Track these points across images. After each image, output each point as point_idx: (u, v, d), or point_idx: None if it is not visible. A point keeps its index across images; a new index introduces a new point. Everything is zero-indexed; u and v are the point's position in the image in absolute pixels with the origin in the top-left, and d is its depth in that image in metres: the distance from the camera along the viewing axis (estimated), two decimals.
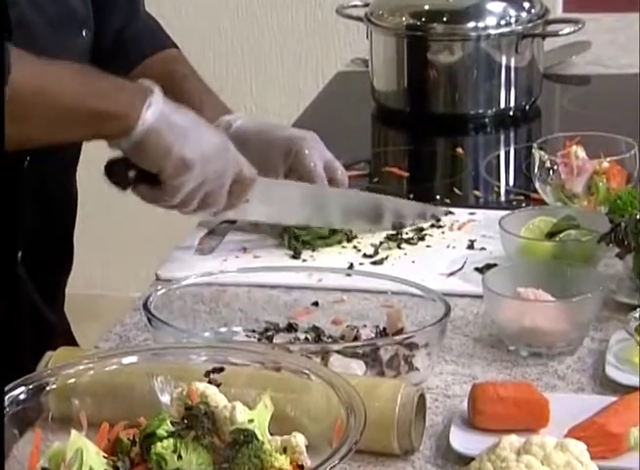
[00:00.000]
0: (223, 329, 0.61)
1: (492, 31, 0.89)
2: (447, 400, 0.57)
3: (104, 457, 0.46)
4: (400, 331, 0.59)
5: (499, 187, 0.82)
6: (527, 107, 0.92)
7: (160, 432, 0.46)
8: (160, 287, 0.61)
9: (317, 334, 0.60)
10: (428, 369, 0.58)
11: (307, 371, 0.50)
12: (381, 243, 0.73)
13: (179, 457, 0.45)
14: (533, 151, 0.76)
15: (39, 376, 0.50)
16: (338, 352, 0.55)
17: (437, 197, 0.78)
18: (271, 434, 0.47)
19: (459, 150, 0.87)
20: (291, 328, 0.60)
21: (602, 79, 0.99)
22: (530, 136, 0.90)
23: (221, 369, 0.50)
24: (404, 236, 0.73)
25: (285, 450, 0.47)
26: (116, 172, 0.65)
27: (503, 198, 0.80)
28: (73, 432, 0.46)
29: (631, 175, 0.74)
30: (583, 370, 0.59)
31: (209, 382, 0.49)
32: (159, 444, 0.46)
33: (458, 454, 0.52)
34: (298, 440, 0.47)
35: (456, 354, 0.61)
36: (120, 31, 0.74)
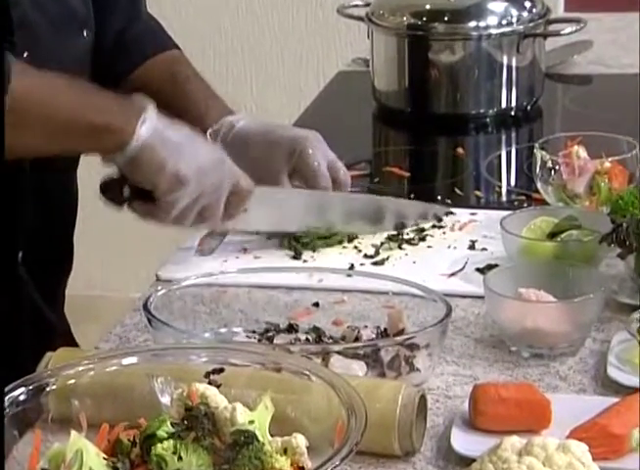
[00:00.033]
0: (223, 330, 0.61)
1: (494, 31, 0.88)
2: (448, 401, 0.56)
3: (104, 458, 0.46)
4: (401, 332, 0.58)
5: (500, 187, 0.82)
6: (529, 107, 0.92)
7: (161, 433, 0.46)
8: (160, 288, 0.61)
9: (318, 335, 0.59)
10: (429, 370, 0.57)
11: (308, 372, 0.50)
12: (382, 243, 0.72)
13: (179, 458, 0.45)
14: (535, 151, 0.76)
15: (39, 377, 0.50)
16: (338, 352, 0.55)
17: (438, 197, 0.78)
18: (272, 435, 0.47)
19: (460, 150, 0.87)
20: (291, 329, 0.60)
21: (604, 79, 0.99)
22: (532, 136, 0.90)
23: (221, 370, 0.50)
24: (405, 236, 0.73)
25: (285, 452, 0.47)
26: (111, 190, 0.65)
27: (504, 198, 0.80)
28: (73, 433, 0.46)
29: (633, 175, 0.74)
30: (585, 371, 0.59)
31: (210, 383, 0.49)
32: (159, 445, 0.46)
33: (459, 456, 0.52)
34: (299, 441, 0.47)
35: (457, 355, 0.60)
36: (122, 32, 0.74)
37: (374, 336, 0.58)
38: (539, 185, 0.76)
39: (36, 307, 0.70)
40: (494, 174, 0.84)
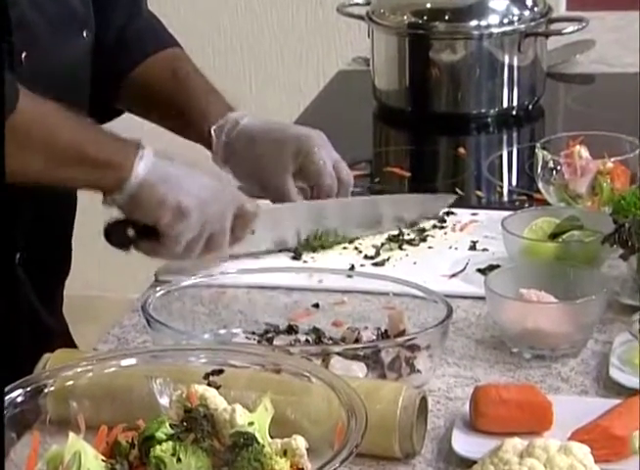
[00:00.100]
0: (223, 331, 0.60)
1: (495, 30, 0.88)
2: (449, 403, 0.56)
3: (102, 460, 0.46)
4: (402, 333, 0.58)
5: (502, 187, 0.81)
6: (531, 106, 0.92)
7: (159, 435, 0.46)
8: (158, 288, 0.61)
9: (318, 336, 0.59)
10: (429, 371, 0.57)
11: (308, 373, 0.49)
12: (382, 244, 0.72)
13: (178, 460, 0.45)
14: (536, 151, 0.75)
15: (37, 378, 0.50)
16: (338, 354, 0.55)
17: (421, 195, 0.78)
18: (271, 437, 0.47)
19: (461, 150, 0.86)
20: (291, 330, 0.60)
21: (606, 78, 0.99)
22: (533, 136, 0.89)
23: (221, 371, 0.49)
24: (406, 237, 0.73)
25: (285, 453, 0.46)
26: (116, 234, 0.65)
27: (506, 198, 0.80)
28: (71, 435, 0.46)
29: (635, 175, 0.73)
30: (587, 372, 0.59)
31: (209, 384, 0.49)
32: (157, 447, 0.46)
33: (460, 458, 0.52)
34: (299, 443, 0.47)
35: (458, 357, 0.60)
36: (123, 30, 0.73)
37: (374, 337, 0.58)
38: (541, 185, 0.75)
39: (34, 309, 0.70)
40: (495, 174, 0.83)
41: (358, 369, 0.55)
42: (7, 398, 0.48)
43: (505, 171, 0.87)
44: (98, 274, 1.47)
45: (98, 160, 0.62)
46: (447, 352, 0.60)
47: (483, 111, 0.90)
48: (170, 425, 0.46)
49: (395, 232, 0.73)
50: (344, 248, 0.72)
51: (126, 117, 0.78)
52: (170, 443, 0.46)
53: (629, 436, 0.51)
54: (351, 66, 1.04)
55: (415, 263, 0.70)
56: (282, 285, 0.65)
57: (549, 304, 0.60)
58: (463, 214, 0.76)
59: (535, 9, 0.90)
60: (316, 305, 0.62)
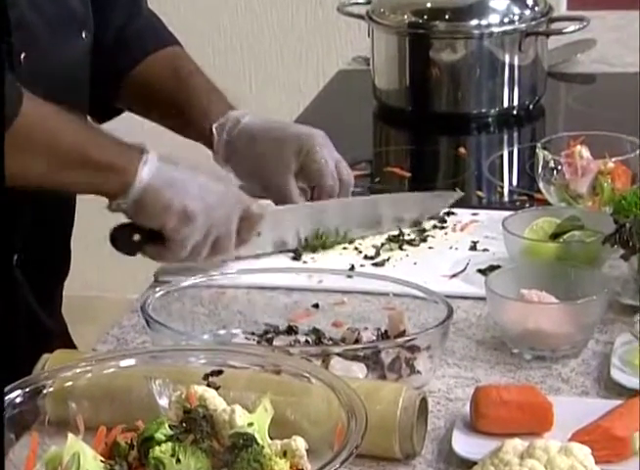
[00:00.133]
0: (222, 331, 0.60)
1: (495, 29, 0.88)
2: (449, 404, 0.56)
3: (101, 461, 0.46)
4: (402, 333, 0.58)
5: (502, 187, 0.81)
6: (531, 106, 0.91)
7: (159, 436, 0.46)
8: (158, 288, 0.61)
9: (317, 336, 0.59)
10: (430, 372, 0.57)
11: (308, 374, 0.49)
12: (382, 244, 0.72)
13: (177, 461, 0.45)
14: (537, 151, 0.75)
15: (36, 379, 0.49)
16: (338, 354, 0.55)
17: (427, 193, 0.77)
18: (271, 438, 0.47)
19: (462, 150, 0.86)
20: (291, 330, 0.60)
21: (607, 78, 0.99)
22: (534, 136, 0.89)
23: (220, 372, 0.49)
24: (406, 237, 0.73)
25: (285, 454, 0.46)
26: (121, 239, 0.65)
27: (506, 198, 0.80)
28: (70, 436, 0.46)
29: (636, 176, 0.73)
30: (588, 373, 0.58)
31: (208, 385, 0.49)
32: (157, 447, 0.45)
33: (460, 458, 0.52)
34: (299, 443, 0.46)
35: (458, 357, 0.60)
36: (123, 28, 0.73)
37: (374, 338, 0.58)
38: (541, 185, 0.75)
39: (32, 310, 0.69)
40: (496, 174, 0.83)
41: (358, 370, 0.55)
42: (6, 398, 0.47)
43: (506, 171, 0.86)
44: (97, 275, 1.47)
45: (101, 163, 0.61)
46: (448, 352, 0.60)
47: (484, 110, 0.90)
48: (170, 426, 0.46)
49: (396, 232, 0.73)
50: (344, 248, 0.72)
51: (126, 116, 0.77)
52: (170, 443, 0.45)
53: (630, 437, 0.51)
54: (351, 65, 1.04)
55: (415, 264, 0.70)
56: (282, 285, 0.64)
57: (550, 304, 0.60)
58: (463, 214, 0.76)
59: (536, 8, 0.90)
60: (316, 306, 0.62)
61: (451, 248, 0.72)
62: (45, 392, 0.49)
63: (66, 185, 0.64)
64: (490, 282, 0.61)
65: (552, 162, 0.74)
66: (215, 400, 0.47)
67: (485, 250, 0.71)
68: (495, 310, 0.61)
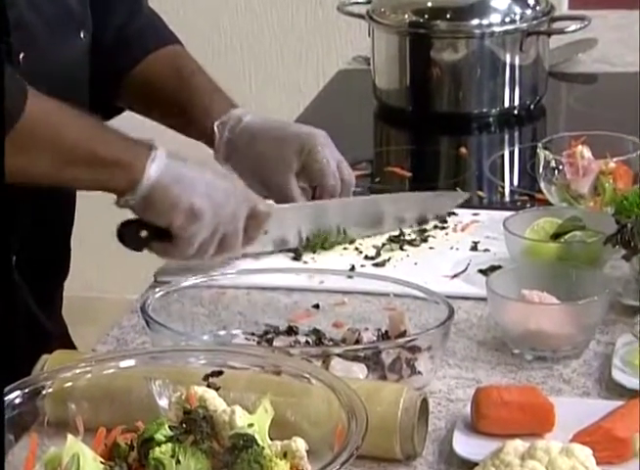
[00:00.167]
0: (222, 332, 0.60)
1: (497, 29, 0.88)
2: (450, 405, 0.56)
3: (101, 463, 0.46)
4: (403, 334, 0.58)
5: (503, 187, 0.81)
6: (532, 106, 0.91)
7: (159, 436, 0.46)
8: (157, 289, 0.60)
9: (318, 337, 0.59)
10: (430, 373, 0.57)
11: (308, 375, 0.49)
12: (383, 244, 0.72)
13: (177, 462, 0.45)
14: (538, 150, 0.75)
15: (35, 380, 0.49)
16: (339, 355, 0.55)
17: (436, 193, 0.77)
18: (271, 439, 0.47)
19: (463, 149, 0.86)
20: (291, 331, 0.60)
21: (608, 77, 0.98)
22: (535, 135, 0.89)
23: (220, 373, 0.49)
24: (407, 237, 0.73)
25: (285, 455, 0.46)
26: (128, 235, 0.65)
27: (507, 198, 0.79)
28: (70, 437, 0.45)
29: (638, 176, 0.73)
30: (589, 374, 0.58)
31: (208, 386, 0.48)
32: (157, 448, 0.45)
33: (461, 459, 0.52)
34: (299, 444, 0.46)
35: (459, 358, 0.60)
36: (123, 27, 0.73)
37: (375, 338, 0.58)
38: (543, 185, 0.75)
39: (31, 311, 0.69)
40: (497, 174, 0.83)
41: (359, 370, 0.55)
42: (5, 399, 0.47)
43: (507, 171, 0.86)
44: (97, 275, 1.47)
45: (108, 160, 0.61)
46: (448, 353, 0.60)
47: (485, 110, 0.89)
48: (169, 427, 0.46)
49: (396, 232, 0.73)
50: (345, 248, 0.71)
51: (127, 115, 0.77)
52: (170, 444, 0.45)
53: (631, 438, 0.51)
54: (352, 65, 1.03)
55: (416, 264, 0.70)
56: (282, 286, 0.64)
57: (551, 305, 0.60)
58: (464, 215, 0.75)
59: (537, 7, 0.90)
60: (316, 306, 0.62)
61: (452, 248, 0.72)
62: (44, 393, 0.49)
63: (72, 182, 0.63)
64: (491, 282, 0.61)
65: (553, 162, 0.74)
66: (215, 401, 0.47)
67: (486, 250, 0.71)
68: (496, 311, 0.61)
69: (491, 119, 0.90)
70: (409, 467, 0.52)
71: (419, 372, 0.56)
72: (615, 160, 0.73)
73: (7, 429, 0.47)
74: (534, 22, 0.89)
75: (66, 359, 0.54)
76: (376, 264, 0.70)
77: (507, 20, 0.88)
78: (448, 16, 0.88)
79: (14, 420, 0.47)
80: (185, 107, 0.71)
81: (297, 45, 1.44)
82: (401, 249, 0.72)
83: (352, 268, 0.69)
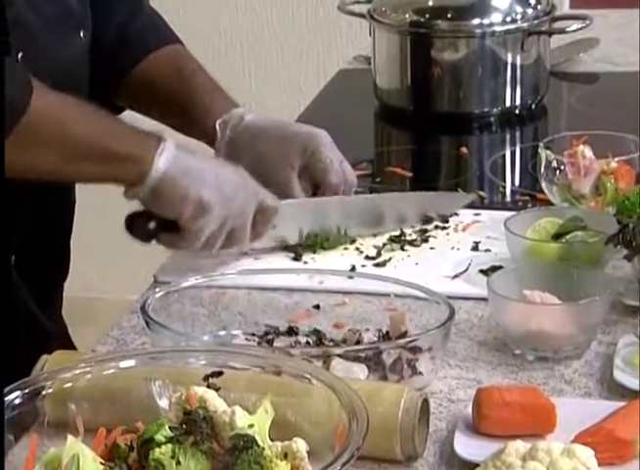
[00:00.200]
0: (222, 332, 0.60)
1: (498, 28, 0.87)
2: (451, 405, 0.56)
3: (101, 463, 0.45)
4: (403, 334, 0.58)
5: (504, 187, 0.81)
6: (534, 105, 0.91)
7: (159, 437, 0.45)
8: (157, 289, 0.60)
9: (318, 337, 0.59)
10: (431, 373, 0.57)
11: (308, 375, 0.49)
12: (384, 245, 0.72)
13: (178, 463, 0.45)
14: (540, 150, 0.75)
15: (35, 380, 0.49)
16: (339, 355, 0.55)
17: (441, 193, 0.78)
18: (271, 439, 0.47)
19: (464, 149, 0.86)
20: (291, 331, 0.60)
21: (610, 77, 0.98)
22: (537, 135, 0.89)
23: (220, 373, 0.49)
24: (407, 238, 0.72)
25: (285, 456, 0.46)
26: (137, 226, 0.65)
27: (508, 198, 0.79)
28: (70, 437, 0.45)
29: (639, 175, 0.73)
30: (591, 374, 0.58)
31: (208, 386, 0.48)
32: (157, 449, 0.45)
33: (462, 460, 0.51)
34: (299, 445, 0.46)
35: (460, 358, 0.60)
36: (124, 26, 0.73)
37: (375, 339, 0.58)
38: (544, 185, 0.75)
39: (31, 312, 0.69)
40: (498, 174, 0.83)
41: (359, 371, 0.55)
42: (5, 400, 0.47)
43: (508, 171, 0.86)
44: (97, 276, 1.47)
45: (116, 152, 0.60)
46: (449, 353, 0.59)
47: (486, 110, 0.89)
48: (170, 427, 0.46)
49: (397, 232, 0.72)
50: (345, 248, 0.71)
51: (128, 114, 0.77)
52: (170, 445, 0.45)
53: (633, 439, 0.51)
54: (352, 64, 1.03)
55: (417, 264, 0.70)
56: (282, 286, 0.64)
57: (552, 305, 0.60)
58: (465, 215, 0.75)
59: (539, 7, 0.90)
60: (317, 307, 0.62)
61: (453, 248, 0.72)
62: (44, 393, 0.48)
63: (80, 176, 0.62)
64: (492, 283, 0.61)
65: (554, 161, 0.74)
66: (215, 402, 0.47)
67: (487, 250, 0.71)
68: (497, 311, 0.61)
69: (492, 119, 0.90)
70: (410, 468, 0.52)
71: (420, 373, 0.56)
72: (616, 159, 0.72)
73: (7, 429, 0.47)
74: (536, 21, 0.89)
75: (65, 360, 0.54)
76: (376, 265, 0.69)
77: (508, 19, 0.88)
78: (449, 15, 0.88)
79: (14, 420, 0.47)
80: (186, 106, 0.71)
81: (298, 44, 1.44)
82: (402, 249, 0.71)
83: (353, 269, 0.69)
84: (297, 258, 0.70)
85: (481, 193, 0.79)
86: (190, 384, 0.48)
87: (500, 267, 0.67)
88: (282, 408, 0.48)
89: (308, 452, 0.46)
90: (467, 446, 0.52)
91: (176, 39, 0.76)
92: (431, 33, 0.88)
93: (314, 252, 0.71)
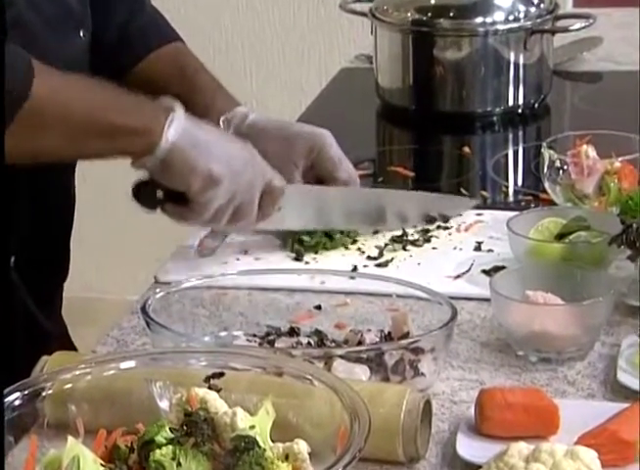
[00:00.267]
0: (223, 333, 0.60)
1: (500, 27, 0.87)
2: (454, 407, 0.56)
3: (101, 465, 0.45)
4: (406, 335, 0.57)
5: (507, 187, 0.80)
6: (537, 105, 0.91)
7: (159, 439, 0.45)
8: (158, 290, 0.60)
9: (320, 338, 0.59)
10: (434, 374, 0.57)
11: (310, 376, 0.49)
12: (385, 245, 0.71)
13: (178, 465, 0.45)
14: (543, 150, 0.75)
15: (35, 381, 0.49)
16: (341, 356, 0.54)
17: (446, 195, 0.77)
18: (273, 441, 0.46)
19: (466, 149, 0.85)
20: (293, 332, 0.59)
21: (613, 76, 0.98)
22: (540, 135, 0.88)
23: (221, 374, 0.49)
24: (409, 238, 0.72)
25: (287, 458, 0.46)
26: (144, 193, 0.64)
27: (511, 198, 0.79)
28: (70, 439, 0.45)
29: None
30: (594, 376, 0.58)
31: (209, 387, 0.48)
32: (157, 451, 0.45)
33: (465, 462, 0.51)
34: (301, 447, 0.46)
35: (463, 359, 0.60)
36: (125, 25, 0.73)
37: (377, 339, 0.57)
38: (547, 185, 0.74)
39: (30, 312, 0.69)
40: (501, 174, 0.82)
41: (361, 372, 0.54)
42: (5, 401, 0.47)
43: (511, 171, 0.86)
44: (97, 276, 1.47)
45: (126, 127, 0.59)
46: (452, 354, 0.59)
47: (489, 109, 0.89)
48: (170, 429, 0.46)
49: (399, 232, 0.72)
50: (347, 249, 0.71)
51: None
52: (170, 447, 0.45)
53: (637, 440, 0.51)
54: (354, 63, 1.03)
55: (419, 264, 0.69)
56: (284, 286, 0.64)
57: (555, 305, 0.59)
58: (468, 215, 0.75)
59: (542, 5, 0.89)
60: (318, 307, 0.61)
61: (455, 248, 0.71)
62: (44, 394, 0.48)
63: (89, 154, 0.62)
64: (495, 283, 0.60)
65: (558, 161, 0.73)
66: (216, 403, 0.47)
67: (490, 250, 0.70)
68: (500, 312, 0.61)
69: (495, 119, 0.89)
70: None
71: (422, 374, 0.56)
72: (620, 159, 0.72)
73: (7, 431, 0.46)
74: (539, 20, 0.88)
75: (65, 361, 0.53)
76: (378, 265, 0.69)
77: (511, 18, 0.87)
78: (451, 14, 0.87)
79: (13, 422, 0.47)
80: (187, 105, 0.70)
81: (299, 43, 1.44)
82: (404, 249, 0.71)
83: (355, 269, 0.69)
84: (298, 259, 0.70)
85: (484, 193, 0.79)
86: (191, 385, 0.48)
87: (503, 268, 0.66)
88: (283, 409, 0.47)
89: (310, 454, 0.46)
90: (469, 448, 0.52)
91: (177, 38, 0.76)
92: (433, 32, 0.88)
93: (316, 252, 0.70)
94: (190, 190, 0.62)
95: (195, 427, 0.46)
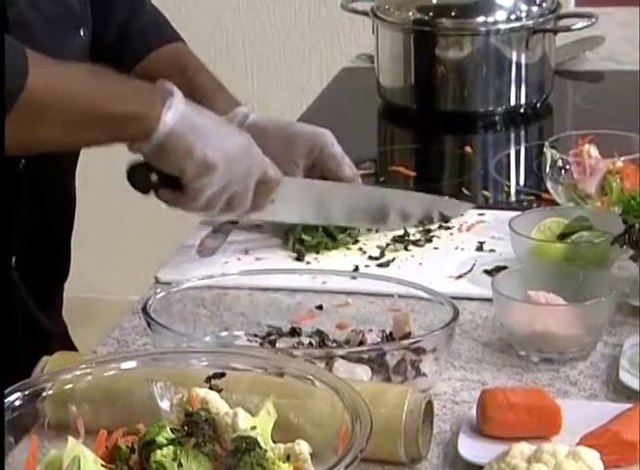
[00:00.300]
0: (224, 333, 0.60)
1: (502, 26, 0.87)
2: (455, 407, 0.55)
3: (102, 465, 0.45)
4: (407, 335, 0.57)
5: (509, 187, 0.80)
6: (539, 104, 0.90)
7: (160, 439, 0.45)
8: (159, 290, 0.60)
9: (321, 338, 0.58)
10: (435, 375, 0.56)
11: (311, 377, 0.49)
12: (387, 245, 0.71)
13: (179, 465, 0.45)
14: (545, 150, 0.74)
15: (35, 382, 0.49)
16: (342, 357, 0.54)
17: (445, 197, 0.77)
18: (274, 441, 0.46)
19: (468, 149, 0.85)
20: (294, 332, 0.59)
21: (615, 76, 0.98)
22: (542, 134, 0.88)
23: (222, 375, 0.49)
24: (411, 238, 0.72)
25: (288, 458, 0.46)
26: (138, 176, 0.63)
27: (513, 198, 0.79)
28: (70, 439, 0.45)
29: None
30: (596, 376, 0.58)
31: (210, 388, 0.48)
32: (158, 451, 0.45)
33: (466, 463, 0.51)
34: (302, 447, 0.46)
35: (465, 360, 0.59)
36: (125, 25, 0.73)
37: (379, 340, 0.57)
38: (549, 185, 0.74)
39: (31, 312, 0.69)
40: (503, 174, 0.82)
41: (363, 372, 0.54)
42: (5, 401, 0.47)
43: (512, 171, 0.85)
44: (98, 276, 1.47)
45: (123, 115, 0.59)
46: (453, 354, 0.59)
47: (490, 109, 0.89)
48: (171, 429, 0.46)
49: (400, 232, 0.72)
50: (348, 249, 0.71)
51: None
52: (171, 447, 0.45)
53: (639, 441, 0.50)
54: (355, 63, 1.03)
55: (420, 264, 0.69)
56: (285, 287, 0.64)
57: (557, 306, 0.59)
58: (469, 215, 0.75)
59: (544, 5, 0.89)
60: (320, 307, 0.61)
61: (457, 248, 0.71)
62: (45, 394, 0.48)
63: (87, 142, 0.62)
64: (497, 283, 0.60)
65: (560, 161, 0.73)
66: (217, 403, 0.47)
67: (492, 250, 0.70)
68: (502, 312, 0.61)
69: (497, 118, 0.89)
70: None
71: (424, 374, 0.55)
72: (622, 159, 0.72)
73: (7, 431, 0.46)
74: (540, 19, 0.88)
75: (66, 361, 0.53)
76: (380, 265, 0.69)
77: (513, 17, 0.87)
78: (453, 13, 0.87)
79: (14, 422, 0.47)
80: None
81: (300, 43, 1.44)
82: (406, 249, 0.71)
83: (356, 269, 0.68)
84: (299, 259, 0.70)
85: (486, 193, 0.79)
86: (192, 385, 0.47)
87: (505, 268, 0.66)
88: (284, 410, 0.47)
89: (311, 454, 0.46)
90: (471, 449, 0.51)
91: (178, 37, 0.76)
92: (434, 31, 0.87)
93: (317, 252, 0.70)
94: (184, 175, 0.61)
95: (196, 427, 0.45)
